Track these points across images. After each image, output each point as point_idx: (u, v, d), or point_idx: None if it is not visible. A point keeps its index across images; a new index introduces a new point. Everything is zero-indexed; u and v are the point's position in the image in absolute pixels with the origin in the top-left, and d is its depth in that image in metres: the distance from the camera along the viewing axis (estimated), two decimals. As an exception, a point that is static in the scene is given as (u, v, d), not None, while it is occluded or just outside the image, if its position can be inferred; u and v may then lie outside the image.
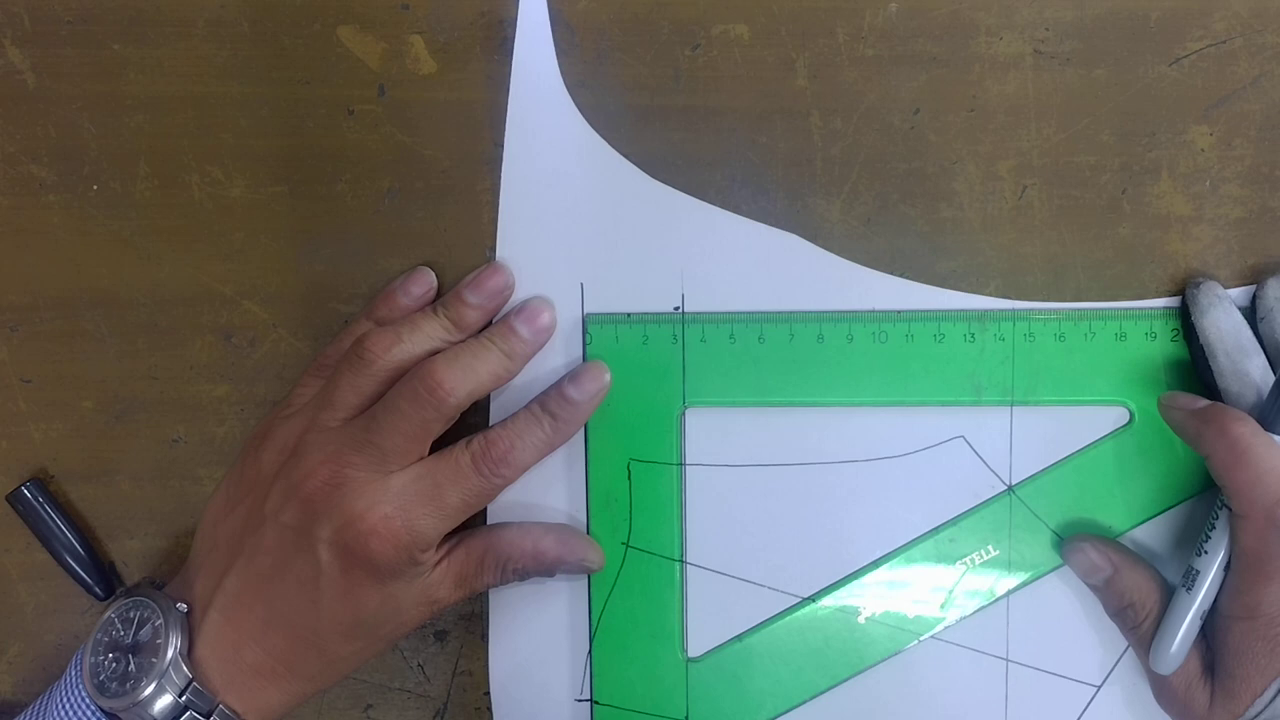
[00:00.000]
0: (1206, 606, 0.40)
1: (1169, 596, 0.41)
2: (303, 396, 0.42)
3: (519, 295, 0.44)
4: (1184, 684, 0.40)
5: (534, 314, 0.42)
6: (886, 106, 0.43)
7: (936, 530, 0.44)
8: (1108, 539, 0.43)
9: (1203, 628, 0.40)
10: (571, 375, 0.43)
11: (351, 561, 0.39)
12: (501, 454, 0.41)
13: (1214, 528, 0.39)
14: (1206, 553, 0.40)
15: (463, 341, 0.42)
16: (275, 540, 0.39)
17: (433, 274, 0.43)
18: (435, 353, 0.41)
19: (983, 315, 0.43)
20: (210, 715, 0.38)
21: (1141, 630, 0.41)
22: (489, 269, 0.43)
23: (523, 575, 0.43)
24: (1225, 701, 0.39)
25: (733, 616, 0.44)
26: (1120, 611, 0.42)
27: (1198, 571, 0.40)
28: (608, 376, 0.43)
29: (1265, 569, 0.38)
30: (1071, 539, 0.43)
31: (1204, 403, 0.40)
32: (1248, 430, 0.38)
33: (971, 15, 0.43)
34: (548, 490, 0.44)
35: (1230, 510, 0.38)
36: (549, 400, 0.42)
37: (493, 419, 0.44)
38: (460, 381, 0.40)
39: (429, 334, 0.41)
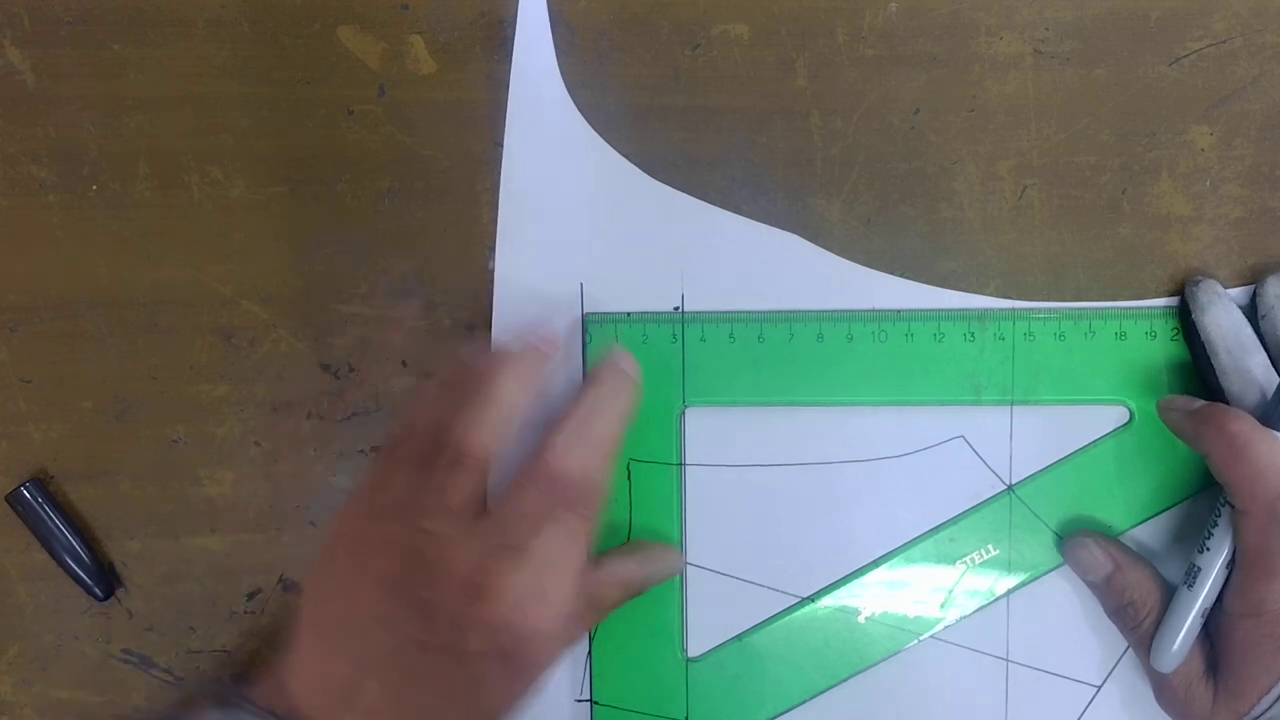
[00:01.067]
0: (1209, 604, 0.40)
1: (1169, 596, 0.41)
2: (385, 490, 0.40)
3: (519, 295, 0.44)
4: (1185, 683, 0.40)
5: (621, 356, 0.42)
6: (886, 106, 0.43)
7: (936, 530, 0.44)
8: (1109, 536, 0.43)
9: (1205, 626, 0.40)
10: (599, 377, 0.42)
11: (516, 668, 0.38)
12: (564, 472, 0.39)
13: (1216, 525, 0.39)
14: (1209, 550, 0.40)
15: (572, 412, 0.40)
16: (420, 663, 0.37)
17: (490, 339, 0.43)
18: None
19: (982, 315, 0.43)
20: None
21: (1141, 629, 0.41)
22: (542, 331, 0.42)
23: (618, 606, 0.42)
24: (1230, 700, 0.39)
25: (733, 616, 0.44)
26: (1119, 610, 0.42)
27: (1199, 569, 0.40)
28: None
29: (1269, 565, 0.38)
30: (1072, 535, 0.43)
31: (1200, 403, 0.40)
32: (1245, 426, 0.38)
33: (971, 15, 0.43)
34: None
35: (1232, 507, 0.38)
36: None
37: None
38: (586, 463, 0.39)
39: (512, 402, 0.40)
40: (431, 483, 0.38)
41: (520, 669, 0.38)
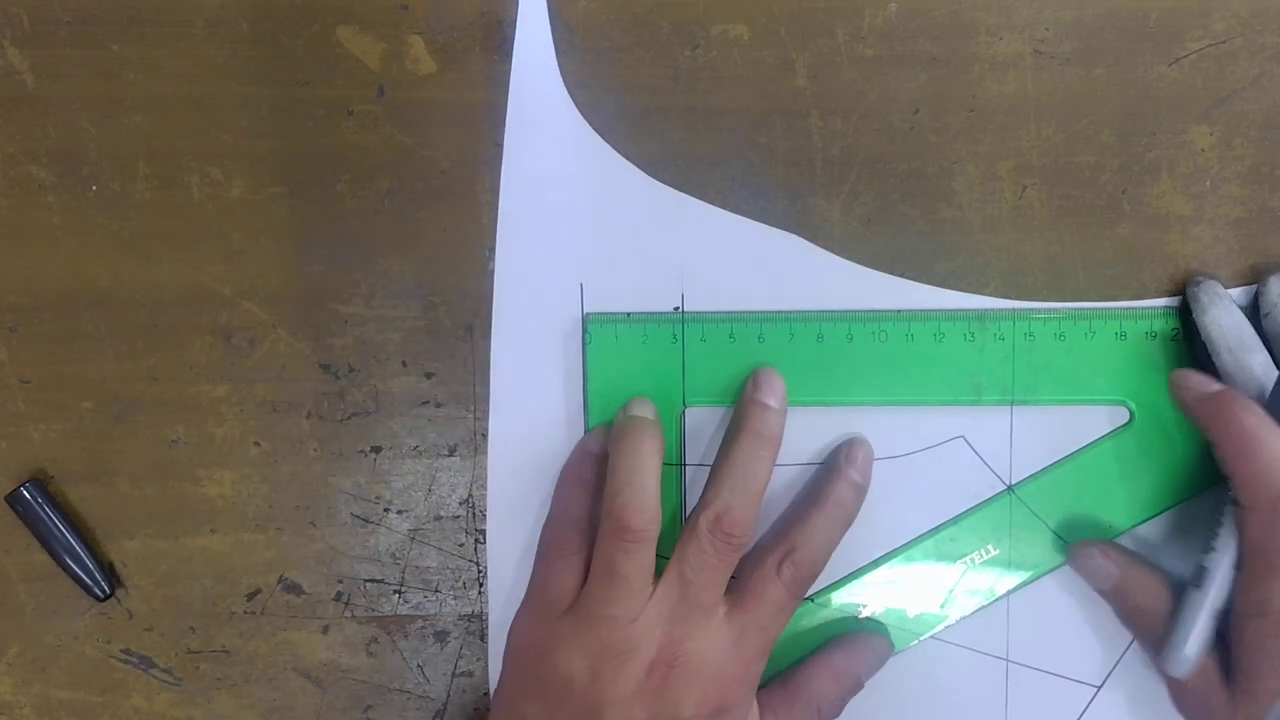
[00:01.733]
0: (1219, 605, 0.39)
1: (1178, 598, 0.41)
2: (552, 587, 0.41)
3: (519, 295, 0.43)
4: (1202, 687, 0.39)
5: (771, 380, 0.42)
6: (886, 106, 0.43)
7: (936, 530, 0.44)
8: (1113, 543, 0.43)
9: (1221, 629, 0.40)
10: (849, 457, 0.42)
11: None
12: (813, 573, 0.41)
13: (1222, 524, 0.39)
14: (1216, 549, 0.39)
15: (726, 458, 0.41)
16: None
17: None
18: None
19: (982, 315, 0.43)
20: None
21: (1155, 635, 0.41)
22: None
23: (838, 708, 0.42)
24: (1245, 703, 0.38)
25: (733, 617, 0.44)
26: (1129, 615, 0.42)
27: (1206, 569, 0.39)
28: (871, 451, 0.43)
29: (1273, 562, 0.37)
30: (1077, 545, 0.43)
31: (1217, 386, 0.40)
32: (1256, 421, 0.37)
33: (971, 15, 0.43)
34: (550, 491, 0.44)
35: (1237, 504, 0.38)
36: (835, 491, 0.41)
37: (492, 440, 0.44)
38: (753, 511, 0.39)
39: (657, 472, 0.40)
40: (619, 567, 0.39)
41: None
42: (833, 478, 0.42)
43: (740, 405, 0.42)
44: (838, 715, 0.42)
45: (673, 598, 0.39)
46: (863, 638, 0.43)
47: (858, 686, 0.42)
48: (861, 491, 0.42)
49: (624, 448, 0.40)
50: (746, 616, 0.39)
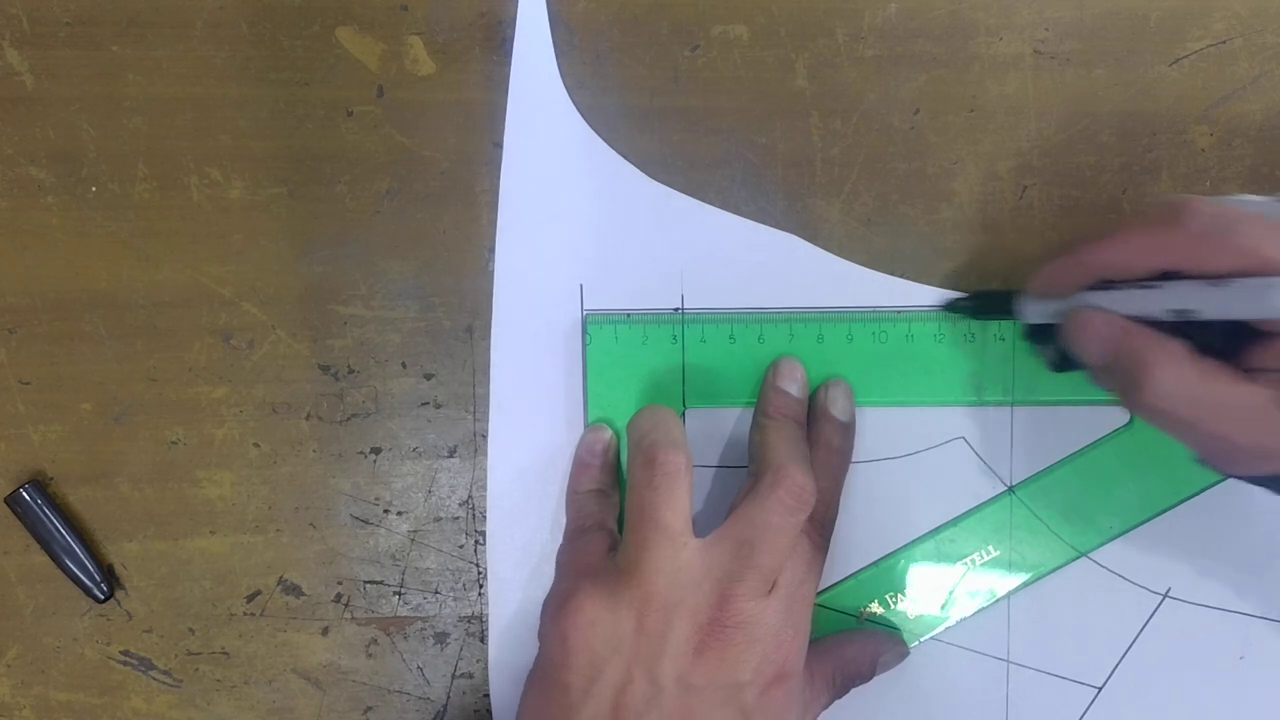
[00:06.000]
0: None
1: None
2: (580, 559, 0.40)
3: (519, 295, 0.43)
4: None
5: (792, 368, 0.43)
6: (886, 106, 0.43)
7: (936, 530, 0.44)
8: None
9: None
10: (829, 399, 0.43)
11: (779, 697, 0.37)
12: (828, 518, 0.41)
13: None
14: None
15: (775, 428, 0.41)
16: (689, 707, 0.36)
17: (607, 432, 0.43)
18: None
19: (983, 315, 0.43)
20: None
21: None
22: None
23: (849, 686, 0.42)
24: None
25: (733, 617, 0.44)
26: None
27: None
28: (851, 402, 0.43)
29: None
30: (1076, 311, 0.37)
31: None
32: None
33: (971, 15, 0.43)
34: (550, 492, 0.44)
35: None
36: (824, 436, 0.42)
37: (492, 441, 0.44)
38: (812, 478, 0.39)
39: (676, 418, 0.40)
40: (656, 513, 0.37)
41: (787, 704, 0.38)
42: (818, 424, 0.42)
43: (763, 393, 0.42)
44: (841, 696, 0.42)
45: (724, 557, 0.37)
46: (885, 633, 0.43)
47: (870, 674, 0.42)
48: (848, 429, 0.42)
49: (643, 417, 0.40)
50: (783, 577, 0.38)
